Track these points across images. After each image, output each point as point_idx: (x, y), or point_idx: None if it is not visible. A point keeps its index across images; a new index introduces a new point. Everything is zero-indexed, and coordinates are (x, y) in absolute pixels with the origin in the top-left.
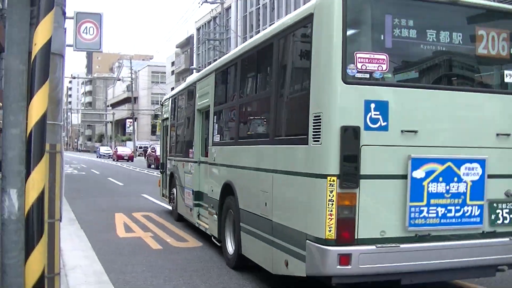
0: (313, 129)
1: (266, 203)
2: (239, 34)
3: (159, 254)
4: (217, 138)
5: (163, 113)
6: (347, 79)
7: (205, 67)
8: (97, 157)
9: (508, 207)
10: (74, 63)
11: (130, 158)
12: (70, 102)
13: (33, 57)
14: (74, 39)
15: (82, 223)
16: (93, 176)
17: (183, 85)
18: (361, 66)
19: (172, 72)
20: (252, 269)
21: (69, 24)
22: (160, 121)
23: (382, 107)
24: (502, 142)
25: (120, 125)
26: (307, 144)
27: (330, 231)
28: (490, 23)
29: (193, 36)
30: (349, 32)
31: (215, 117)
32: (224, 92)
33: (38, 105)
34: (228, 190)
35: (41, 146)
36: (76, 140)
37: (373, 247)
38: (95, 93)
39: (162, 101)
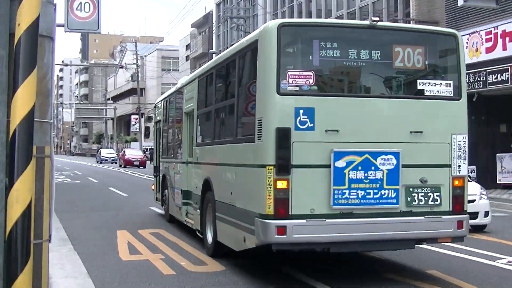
0: (257, 130)
1: (231, 193)
2: (268, 11)
3: (172, 282)
4: (199, 139)
5: (156, 115)
6: (281, 92)
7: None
8: (98, 162)
9: (423, 191)
10: (66, 47)
11: (142, 164)
12: (61, 95)
13: (16, 40)
14: (66, 18)
15: (76, 243)
16: (90, 185)
17: (173, 89)
18: (292, 81)
19: (187, 57)
20: (227, 255)
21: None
22: (153, 124)
23: (309, 112)
24: (415, 138)
25: (123, 122)
26: (254, 142)
27: (269, 208)
28: (406, 41)
29: (212, 13)
30: (283, 55)
31: (198, 120)
32: (204, 98)
33: (23, 99)
34: (207, 185)
35: (27, 149)
36: (69, 141)
37: (304, 221)
38: (92, 83)
39: (155, 103)
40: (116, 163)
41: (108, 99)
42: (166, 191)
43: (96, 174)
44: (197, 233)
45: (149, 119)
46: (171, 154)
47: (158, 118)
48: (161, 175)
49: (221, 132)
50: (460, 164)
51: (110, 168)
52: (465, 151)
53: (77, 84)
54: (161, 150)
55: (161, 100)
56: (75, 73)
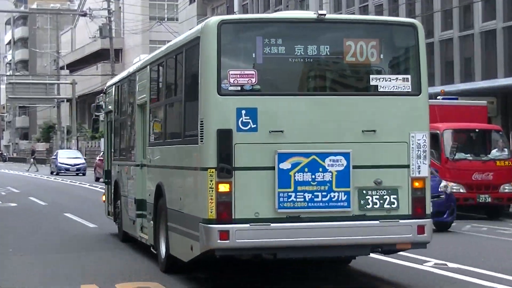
0: (200, 131)
1: (181, 198)
2: None
3: None
4: (152, 138)
5: (106, 104)
6: (222, 92)
7: None
8: (53, 172)
9: (377, 193)
10: None
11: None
12: None
13: None
14: None
15: None
16: (34, 209)
17: (127, 71)
18: (233, 81)
19: None
20: (179, 270)
21: None
22: (103, 115)
23: (252, 112)
24: (368, 138)
25: (87, 106)
26: (197, 144)
27: (211, 212)
28: (359, 34)
29: None
30: (224, 53)
31: (151, 115)
32: (156, 90)
33: None
34: (159, 191)
35: None
36: None
37: (248, 225)
38: (34, 42)
39: (106, 87)
40: (84, 174)
41: (62, 68)
42: (119, 201)
43: (44, 191)
44: (152, 249)
45: (98, 108)
46: (124, 154)
47: (109, 107)
48: (113, 182)
49: (171, 131)
50: (420, 165)
51: (71, 183)
52: (426, 151)
53: (9, 43)
54: (113, 150)
55: (113, 85)
56: (6, 24)
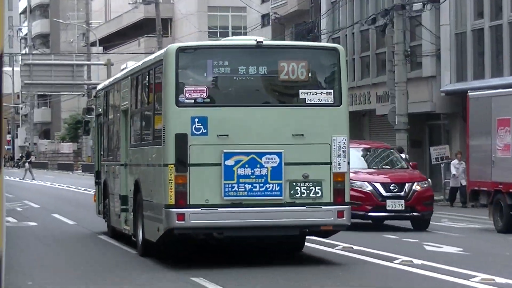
0: (163, 135)
1: (151, 190)
2: None
3: None
4: (132, 140)
5: (97, 107)
6: (179, 104)
7: None
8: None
9: (305, 185)
10: None
11: None
12: None
13: None
14: None
15: None
16: (59, 230)
17: (112, 78)
18: (188, 95)
19: None
20: (153, 253)
21: None
22: (94, 118)
23: (203, 120)
24: (297, 140)
25: None
26: (161, 145)
27: (171, 199)
28: (291, 57)
29: None
30: (181, 73)
31: (131, 120)
32: (135, 98)
33: None
34: (137, 187)
35: None
36: (9, 137)
37: (200, 209)
38: (57, 11)
39: (96, 91)
40: None
41: (94, 44)
42: (108, 200)
43: (70, 205)
44: (133, 238)
45: (88, 111)
46: (112, 155)
47: (99, 110)
48: (102, 182)
49: (145, 134)
50: (340, 162)
51: None
52: (345, 151)
53: (24, 12)
54: (102, 152)
55: (102, 90)
56: None
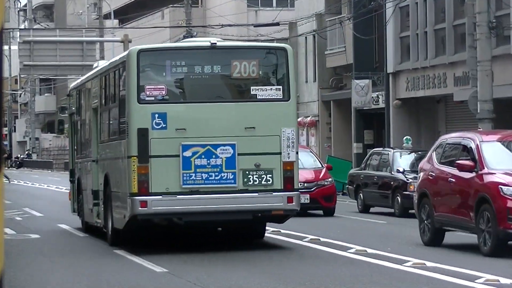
0: (127, 130)
1: (118, 181)
2: None
3: None
4: (101, 136)
5: (70, 106)
6: (140, 101)
7: None
8: None
9: (257, 173)
10: None
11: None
12: None
13: None
14: None
15: None
16: (67, 244)
17: (84, 77)
18: (149, 93)
19: None
20: (121, 242)
21: None
22: (68, 116)
23: (163, 116)
24: (249, 132)
25: None
26: (125, 139)
27: (134, 188)
28: (242, 57)
29: None
30: (142, 74)
31: (101, 117)
32: (104, 96)
33: None
34: (106, 180)
35: None
36: (6, 130)
37: (160, 197)
38: None
39: (69, 90)
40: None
41: (108, 17)
42: (81, 196)
43: None
44: (103, 229)
45: (62, 109)
46: (85, 153)
47: (72, 109)
48: (76, 179)
49: (112, 130)
50: (289, 152)
51: None
52: (293, 142)
53: None
54: (76, 149)
55: (74, 88)
56: None
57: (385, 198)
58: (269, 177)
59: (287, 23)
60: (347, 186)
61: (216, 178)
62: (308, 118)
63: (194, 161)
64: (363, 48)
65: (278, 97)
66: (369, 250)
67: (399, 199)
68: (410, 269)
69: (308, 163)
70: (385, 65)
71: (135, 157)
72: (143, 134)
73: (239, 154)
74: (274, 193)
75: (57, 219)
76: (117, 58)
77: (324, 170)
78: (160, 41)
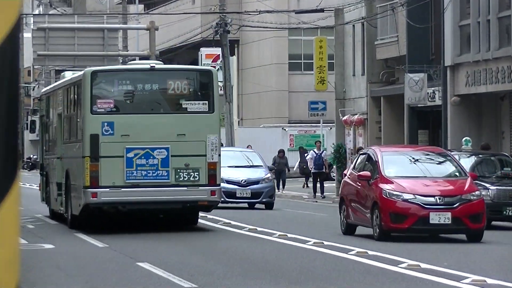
0: (83, 135)
1: (75, 176)
2: None
3: None
4: (64, 138)
5: (41, 108)
6: (93, 112)
7: None
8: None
9: (186, 171)
10: None
11: None
12: None
13: None
14: None
15: None
16: (85, 255)
17: (52, 86)
18: (100, 106)
19: None
20: (81, 225)
21: None
22: (39, 117)
23: (111, 124)
24: (181, 138)
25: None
26: (81, 142)
27: (87, 182)
28: (176, 77)
29: None
30: (94, 90)
31: (64, 122)
32: (66, 105)
33: None
34: (67, 174)
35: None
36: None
37: (108, 189)
38: None
39: (40, 95)
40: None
41: (132, 2)
42: (49, 188)
43: (99, 221)
44: (65, 215)
45: (34, 111)
46: (52, 150)
47: (43, 112)
48: (45, 173)
49: (72, 133)
50: (213, 154)
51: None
52: (216, 146)
53: None
54: (45, 147)
55: (45, 94)
56: None
57: None
58: (196, 174)
59: (333, 10)
60: None
61: (153, 174)
62: (355, 116)
63: (136, 161)
64: (418, 38)
65: (205, 110)
66: (423, 265)
67: None
68: None
69: (444, 171)
70: (443, 57)
71: (88, 157)
72: (94, 138)
73: (172, 156)
74: (200, 187)
75: (74, 227)
76: (76, 75)
77: (468, 180)
78: (191, 29)
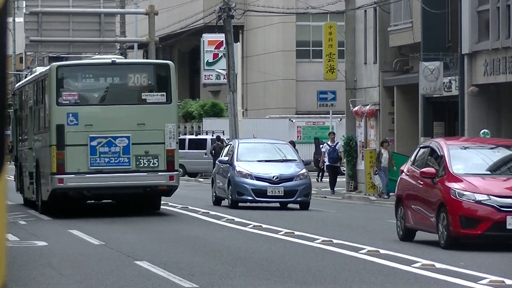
0: (49, 125)
1: (44, 164)
2: None
3: None
4: (35, 130)
5: (14, 103)
6: (59, 104)
7: None
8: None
9: (146, 158)
10: None
11: None
12: None
13: None
14: None
15: None
16: (79, 253)
17: (26, 79)
18: (65, 98)
19: None
20: (52, 211)
21: None
22: (13, 111)
23: (75, 115)
24: (141, 127)
25: (177, 58)
26: (48, 132)
27: (54, 169)
28: (136, 70)
29: None
30: (59, 83)
31: (33, 114)
32: (35, 99)
33: None
34: (37, 164)
35: None
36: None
37: (73, 175)
38: None
39: (14, 89)
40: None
41: None
42: (22, 177)
43: (94, 216)
44: (36, 202)
45: (9, 106)
46: (24, 142)
47: (16, 106)
48: (19, 164)
49: (41, 125)
50: (171, 142)
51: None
52: (174, 134)
53: None
54: (18, 139)
55: (17, 89)
56: None
57: None
58: (155, 161)
59: None
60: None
61: (115, 161)
62: (367, 107)
63: (99, 149)
64: (434, 24)
65: (163, 101)
66: (438, 265)
67: None
68: None
69: None
70: (460, 44)
71: (55, 146)
72: (60, 128)
73: (132, 144)
74: (159, 173)
75: (68, 223)
76: (43, 70)
77: None
78: (193, 14)
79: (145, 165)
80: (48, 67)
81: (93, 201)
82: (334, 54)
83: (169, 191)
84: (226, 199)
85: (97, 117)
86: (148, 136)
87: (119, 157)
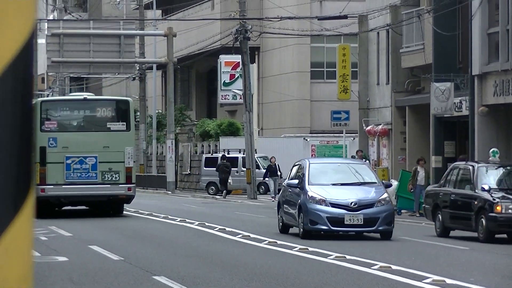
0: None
1: None
2: None
3: None
4: None
5: None
6: (42, 131)
7: None
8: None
9: (110, 174)
10: None
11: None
12: None
13: None
14: None
15: None
16: (100, 269)
17: None
18: (47, 126)
19: None
20: (37, 214)
21: None
22: None
23: (55, 139)
24: (106, 149)
25: (194, 79)
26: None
27: (37, 181)
28: (102, 104)
29: None
30: (43, 114)
31: None
32: None
33: None
34: None
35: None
36: None
37: (52, 186)
38: None
39: None
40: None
41: (149, 7)
42: None
43: (116, 233)
44: None
45: None
46: None
47: None
48: None
49: None
50: (129, 161)
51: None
52: (132, 155)
53: None
54: None
55: None
56: None
57: (468, 220)
58: (117, 175)
59: (357, 16)
60: (424, 205)
61: (85, 175)
62: (379, 126)
63: (73, 166)
64: (445, 46)
65: (123, 129)
66: (448, 281)
67: (483, 222)
68: None
69: None
70: (470, 66)
71: (38, 163)
72: (43, 150)
73: (99, 162)
74: (120, 185)
75: (88, 239)
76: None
77: None
78: (210, 36)
79: (109, 179)
80: (35, 100)
81: (69, 207)
82: (348, 75)
83: (128, 199)
84: (295, 227)
85: (71, 141)
86: (111, 156)
87: (88, 172)
